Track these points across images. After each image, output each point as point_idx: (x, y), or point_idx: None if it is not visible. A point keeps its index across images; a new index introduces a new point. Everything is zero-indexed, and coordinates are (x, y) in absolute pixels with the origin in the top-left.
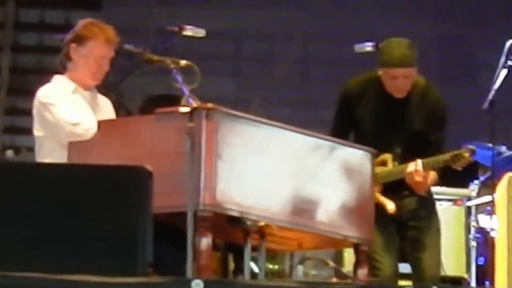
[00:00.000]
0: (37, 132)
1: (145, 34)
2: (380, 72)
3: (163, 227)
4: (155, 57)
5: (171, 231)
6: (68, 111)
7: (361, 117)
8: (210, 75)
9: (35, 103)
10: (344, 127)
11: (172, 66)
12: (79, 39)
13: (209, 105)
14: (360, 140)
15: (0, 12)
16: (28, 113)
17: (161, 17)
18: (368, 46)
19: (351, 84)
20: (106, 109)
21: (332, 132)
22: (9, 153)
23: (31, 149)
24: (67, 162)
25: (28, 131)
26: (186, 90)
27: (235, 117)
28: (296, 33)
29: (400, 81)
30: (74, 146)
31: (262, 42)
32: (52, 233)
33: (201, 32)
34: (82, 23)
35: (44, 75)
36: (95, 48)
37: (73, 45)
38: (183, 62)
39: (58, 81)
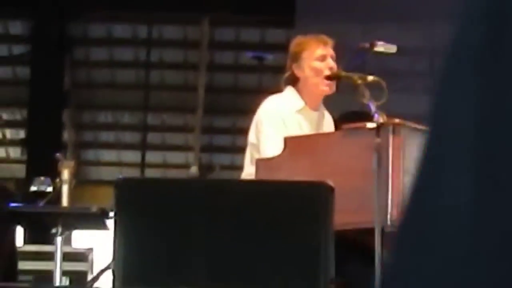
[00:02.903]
0: (250, 137)
1: (339, 51)
2: None
3: (351, 244)
4: (343, 73)
5: (359, 248)
6: (272, 144)
7: None
8: (405, 92)
9: (259, 109)
10: None
11: (359, 82)
12: (295, 57)
13: (396, 120)
14: None
15: (195, 31)
16: (224, 131)
17: (355, 34)
18: None
19: None
20: (329, 130)
21: None
22: (193, 169)
23: (226, 167)
24: (249, 179)
25: (225, 149)
26: (373, 106)
27: (423, 132)
28: None
29: None
30: (262, 163)
31: None
32: (233, 250)
33: (392, 48)
34: (291, 44)
35: (240, 93)
36: (311, 53)
37: (293, 65)
38: (370, 78)
39: (289, 95)
